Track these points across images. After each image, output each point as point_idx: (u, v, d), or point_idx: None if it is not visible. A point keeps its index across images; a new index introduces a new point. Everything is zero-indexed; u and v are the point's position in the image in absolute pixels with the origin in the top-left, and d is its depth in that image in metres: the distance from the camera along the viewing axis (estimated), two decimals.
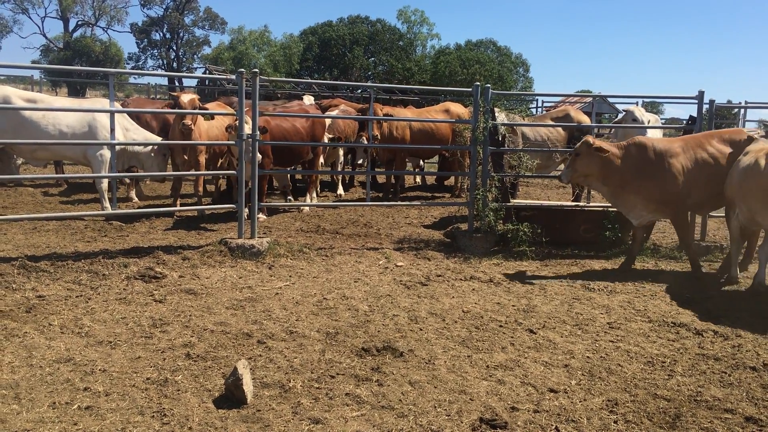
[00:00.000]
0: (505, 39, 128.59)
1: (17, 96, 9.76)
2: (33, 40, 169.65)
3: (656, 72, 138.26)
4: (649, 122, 11.54)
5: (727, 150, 8.25)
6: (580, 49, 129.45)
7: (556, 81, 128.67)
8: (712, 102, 9.88)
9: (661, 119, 21.99)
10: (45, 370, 4.73)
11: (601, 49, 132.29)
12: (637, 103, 16.76)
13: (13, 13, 59.00)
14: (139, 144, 10.76)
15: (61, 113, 9.80)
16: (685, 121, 12.06)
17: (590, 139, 8.25)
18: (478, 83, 9.87)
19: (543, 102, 29.28)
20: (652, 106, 38.96)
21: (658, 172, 8.14)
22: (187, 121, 9.78)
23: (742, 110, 19.79)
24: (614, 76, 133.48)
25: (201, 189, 11.27)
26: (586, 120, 13.51)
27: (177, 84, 43.00)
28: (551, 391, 4.75)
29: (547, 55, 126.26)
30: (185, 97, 10.28)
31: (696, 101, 9.93)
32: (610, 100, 29.60)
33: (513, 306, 6.81)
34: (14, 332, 5.42)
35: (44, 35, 60.35)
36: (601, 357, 5.45)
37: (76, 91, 38.34)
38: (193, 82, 37.98)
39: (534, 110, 28.04)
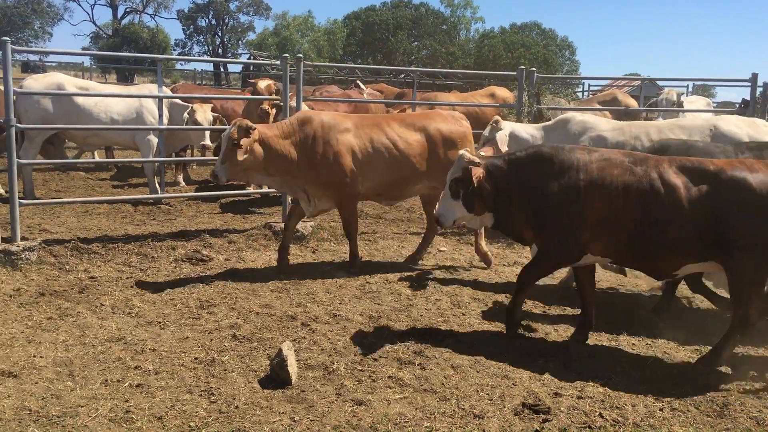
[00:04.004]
0: (550, 22, 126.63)
1: (71, 84, 9.99)
2: (83, 27, 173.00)
3: (708, 54, 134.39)
4: (682, 105, 11.19)
5: (414, 137, 7.20)
6: (628, 31, 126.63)
7: (603, 64, 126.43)
8: (766, 85, 9.59)
9: (713, 103, 21.42)
10: (97, 349, 4.88)
11: (650, 31, 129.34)
12: (687, 87, 16.35)
13: (64, 0, 60.47)
14: (191, 129, 10.85)
15: (111, 100, 10.01)
16: (737, 105, 11.74)
17: (245, 121, 6.59)
18: (523, 67, 9.76)
19: (589, 86, 28.78)
20: (704, 90, 37.92)
21: (324, 151, 6.87)
22: (265, 106, 9.93)
23: None
24: (664, 58, 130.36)
25: None
26: (633, 104, 13.28)
27: (222, 70, 43.49)
28: (595, 377, 4.72)
29: (594, 37, 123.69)
30: (262, 84, 10.49)
31: (749, 84, 9.64)
32: (660, 83, 28.90)
33: (555, 294, 6.74)
34: (68, 312, 5.61)
35: (94, 22, 61.55)
36: (647, 344, 5.38)
37: (125, 77, 39.10)
38: (238, 68, 38.28)
39: (580, 94, 27.58)
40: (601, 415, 4.17)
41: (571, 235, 5.02)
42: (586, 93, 27.35)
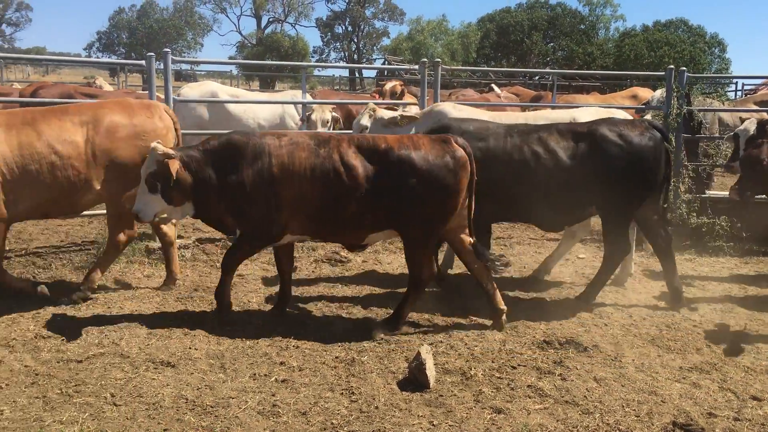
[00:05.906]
0: (698, 18, 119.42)
1: (223, 91, 10.59)
2: (230, 37, 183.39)
3: None
4: None
5: (80, 136, 5.67)
6: None
7: (757, 62, 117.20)
8: None
9: None
10: (246, 343, 5.13)
11: None
12: None
13: (213, 12, 64.57)
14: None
15: (257, 106, 10.51)
16: None
17: None
18: (672, 66, 9.25)
19: (743, 85, 26.91)
20: None
21: None
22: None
23: None
24: None
25: None
26: None
27: (357, 75, 44.48)
28: (754, 398, 4.40)
29: (747, 32, 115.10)
30: (388, 85, 10.85)
31: None
32: None
33: (708, 305, 6.34)
34: None
35: (240, 32, 65.19)
36: None
37: (267, 84, 41.01)
38: (373, 73, 39.12)
39: (732, 94, 25.84)
40: None
41: (269, 217, 5.29)
42: (739, 93, 25.63)
